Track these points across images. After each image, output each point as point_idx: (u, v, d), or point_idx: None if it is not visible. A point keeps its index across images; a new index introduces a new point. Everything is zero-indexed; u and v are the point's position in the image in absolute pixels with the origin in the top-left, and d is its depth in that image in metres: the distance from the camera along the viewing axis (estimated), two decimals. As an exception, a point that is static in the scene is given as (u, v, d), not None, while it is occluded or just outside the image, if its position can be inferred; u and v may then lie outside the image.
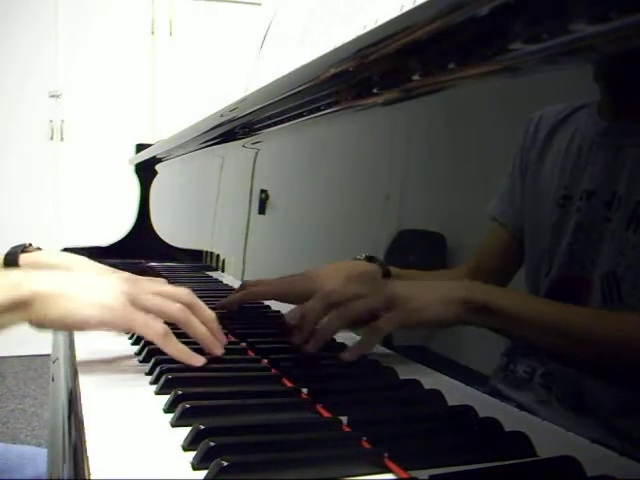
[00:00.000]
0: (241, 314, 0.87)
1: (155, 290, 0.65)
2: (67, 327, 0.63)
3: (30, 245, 1.00)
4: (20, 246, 0.99)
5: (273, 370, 0.62)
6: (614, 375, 0.44)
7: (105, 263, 1.22)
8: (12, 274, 0.62)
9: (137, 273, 0.89)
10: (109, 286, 0.62)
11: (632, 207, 0.42)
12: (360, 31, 0.64)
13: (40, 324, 0.59)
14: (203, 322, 0.64)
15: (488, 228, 0.58)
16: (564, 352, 0.48)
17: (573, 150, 0.49)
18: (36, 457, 0.94)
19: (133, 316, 0.61)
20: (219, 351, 0.64)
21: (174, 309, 0.63)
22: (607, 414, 0.43)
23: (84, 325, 0.60)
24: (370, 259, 0.73)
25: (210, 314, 0.66)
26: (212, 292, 1.12)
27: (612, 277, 0.43)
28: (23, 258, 0.96)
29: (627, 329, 0.43)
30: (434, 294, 0.57)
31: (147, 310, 0.62)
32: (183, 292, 0.66)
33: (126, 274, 0.65)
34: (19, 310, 0.58)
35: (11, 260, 0.95)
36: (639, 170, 0.43)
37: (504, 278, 0.55)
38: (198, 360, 0.61)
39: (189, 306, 0.64)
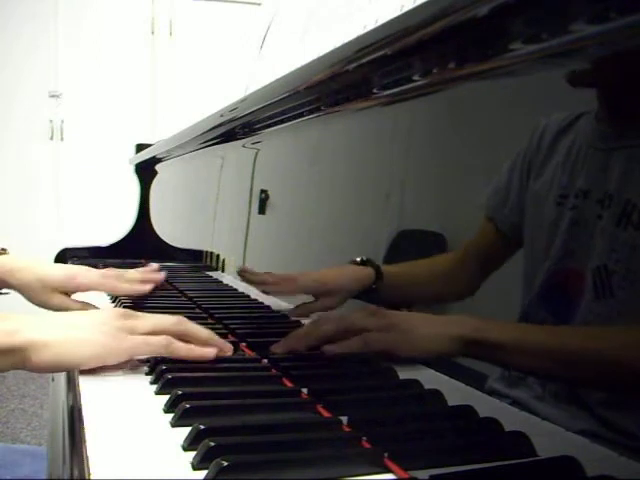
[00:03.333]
0: (241, 314, 0.87)
1: (149, 316, 0.66)
2: (66, 370, 0.64)
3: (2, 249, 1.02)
4: None
5: (273, 370, 0.62)
6: (609, 386, 0.45)
7: (105, 263, 1.21)
8: (6, 320, 0.61)
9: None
10: (104, 323, 0.62)
11: (622, 205, 0.44)
12: (360, 31, 0.64)
13: (39, 370, 0.59)
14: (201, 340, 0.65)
15: (483, 224, 0.61)
16: (561, 375, 0.49)
17: (573, 154, 0.51)
18: (34, 454, 0.94)
19: (130, 343, 0.61)
20: (229, 351, 0.65)
21: (169, 321, 0.64)
22: (596, 407, 0.45)
23: (84, 366, 0.61)
24: (365, 262, 0.76)
25: (203, 334, 0.66)
26: (212, 292, 1.12)
27: (603, 270, 0.45)
28: None
29: (620, 343, 0.44)
30: (432, 329, 0.60)
31: (145, 334, 0.63)
32: (169, 322, 0.66)
33: (120, 310, 0.66)
34: (12, 356, 0.57)
35: None
36: (628, 170, 0.45)
37: (486, 269, 0.59)
38: (211, 353, 0.63)
39: (180, 335, 0.65)
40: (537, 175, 0.54)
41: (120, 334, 0.61)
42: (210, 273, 1.39)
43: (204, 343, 0.64)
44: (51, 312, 0.85)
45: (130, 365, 0.65)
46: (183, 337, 0.64)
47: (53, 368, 0.60)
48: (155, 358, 0.63)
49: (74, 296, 0.90)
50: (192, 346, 0.63)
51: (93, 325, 0.62)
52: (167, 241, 1.83)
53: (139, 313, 0.67)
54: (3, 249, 1.02)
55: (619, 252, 0.44)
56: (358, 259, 0.76)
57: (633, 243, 0.44)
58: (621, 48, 0.43)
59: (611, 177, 0.46)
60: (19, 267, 0.90)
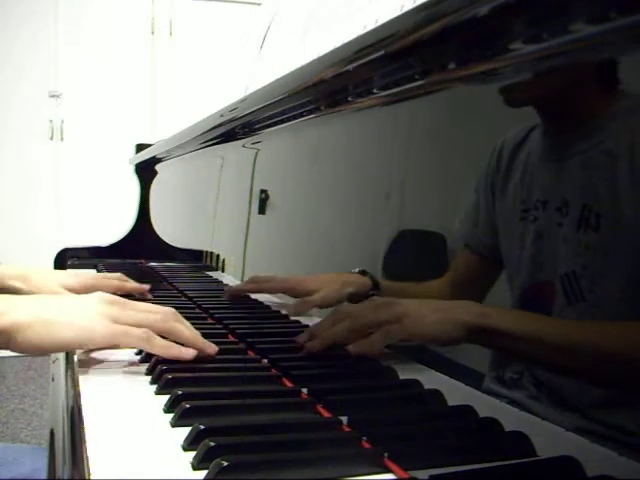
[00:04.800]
0: (241, 314, 0.87)
1: (137, 308, 0.66)
2: (49, 352, 0.65)
3: None
4: None
5: (273, 370, 0.62)
6: (608, 380, 0.45)
7: (105, 263, 1.21)
8: None
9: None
10: (88, 307, 0.63)
11: (579, 210, 0.45)
12: (360, 31, 0.64)
13: (22, 351, 0.60)
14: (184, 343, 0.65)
15: (460, 253, 0.62)
16: (565, 365, 0.49)
17: (529, 167, 0.53)
18: (34, 453, 0.94)
19: (112, 331, 0.61)
20: (212, 350, 0.64)
21: (155, 318, 0.64)
22: (590, 407, 0.45)
23: (65, 348, 0.62)
24: (362, 272, 0.76)
25: (188, 335, 0.65)
26: (212, 292, 1.12)
27: (572, 276, 0.46)
28: None
29: (623, 338, 0.44)
30: (437, 315, 0.59)
31: (128, 325, 0.63)
32: (166, 310, 0.66)
33: (106, 294, 0.66)
34: None
35: None
36: (581, 176, 0.47)
37: (479, 291, 0.59)
38: (188, 353, 0.62)
39: (165, 332, 0.65)
40: (502, 194, 0.55)
41: (104, 320, 0.61)
42: (210, 273, 1.39)
43: (186, 344, 0.64)
44: (42, 295, 0.86)
45: (130, 365, 0.65)
46: (166, 335, 0.64)
47: (35, 349, 0.60)
48: (156, 358, 0.63)
49: None
50: (170, 344, 0.63)
51: (78, 308, 0.62)
52: (167, 241, 1.83)
53: (127, 301, 0.67)
54: None
55: (584, 256, 0.45)
56: (356, 270, 0.77)
57: (595, 246, 0.44)
58: (559, 62, 0.45)
59: (566, 185, 0.48)
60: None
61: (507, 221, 0.55)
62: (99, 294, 0.66)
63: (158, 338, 0.62)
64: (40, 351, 0.61)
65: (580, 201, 0.45)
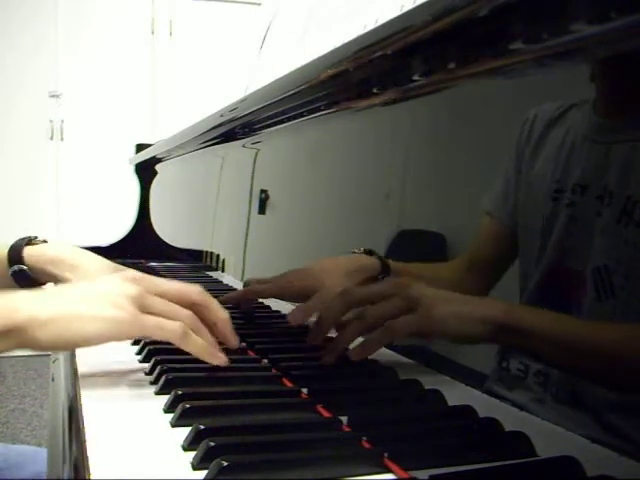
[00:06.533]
0: (241, 314, 0.87)
1: (164, 289, 0.61)
2: (72, 348, 0.60)
3: (36, 238, 0.91)
4: (25, 239, 0.89)
5: (273, 370, 0.62)
6: (633, 385, 0.42)
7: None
8: (5, 298, 0.56)
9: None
10: (112, 294, 0.57)
11: (623, 202, 0.42)
12: (360, 31, 0.64)
13: (42, 348, 0.54)
14: (216, 323, 0.62)
15: (483, 222, 0.59)
16: (591, 369, 0.46)
17: (567, 146, 0.49)
18: (35, 456, 0.94)
19: (143, 321, 0.56)
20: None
21: (183, 315, 0.59)
22: (601, 411, 0.44)
23: (91, 343, 0.56)
24: (369, 253, 0.72)
25: (223, 314, 0.62)
26: (212, 292, 1.12)
27: (604, 271, 0.44)
28: (27, 251, 0.87)
29: None
30: (457, 307, 0.55)
31: (155, 313, 0.58)
32: (194, 290, 0.62)
33: (130, 272, 0.62)
34: (14, 336, 0.53)
35: (15, 254, 0.86)
36: (629, 166, 0.43)
37: (497, 270, 0.56)
38: (220, 359, 0.59)
39: (201, 306, 0.62)
40: (529, 168, 0.52)
41: (132, 309, 0.56)
42: (210, 273, 1.39)
43: (221, 329, 0.62)
44: (59, 287, 0.80)
45: (130, 365, 0.65)
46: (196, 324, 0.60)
47: (59, 346, 0.56)
48: (156, 358, 0.62)
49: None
50: (205, 346, 0.58)
51: (103, 296, 0.56)
52: (167, 241, 1.83)
53: (151, 278, 0.62)
54: (45, 240, 0.93)
55: (620, 251, 0.43)
56: (361, 249, 0.73)
57: (634, 241, 0.42)
58: (625, 46, 0.43)
59: (611, 172, 0.44)
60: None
61: (532, 196, 0.51)
62: (120, 275, 0.61)
63: (194, 337, 0.58)
64: (65, 347, 0.57)
65: (625, 192, 0.42)
